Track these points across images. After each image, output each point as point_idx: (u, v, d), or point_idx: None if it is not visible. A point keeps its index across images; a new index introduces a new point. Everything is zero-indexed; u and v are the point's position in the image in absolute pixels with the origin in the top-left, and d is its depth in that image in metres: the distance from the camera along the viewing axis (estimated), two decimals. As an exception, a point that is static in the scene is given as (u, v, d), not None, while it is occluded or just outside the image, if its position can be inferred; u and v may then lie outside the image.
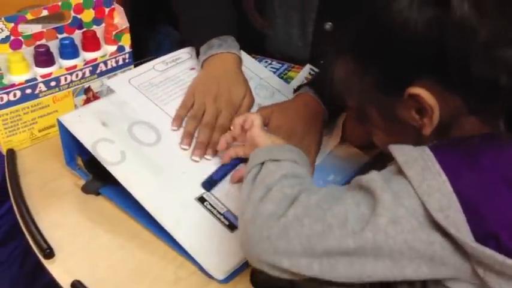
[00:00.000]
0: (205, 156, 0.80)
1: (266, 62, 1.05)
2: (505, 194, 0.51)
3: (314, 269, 0.52)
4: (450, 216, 0.50)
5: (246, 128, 0.73)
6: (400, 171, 0.53)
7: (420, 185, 0.51)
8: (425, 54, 0.53)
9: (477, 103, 0.54)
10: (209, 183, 0.76)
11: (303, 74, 1.02)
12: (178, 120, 0.84)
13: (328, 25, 0.96)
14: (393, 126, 0.60)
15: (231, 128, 0.83)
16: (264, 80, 0.97)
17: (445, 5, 0.51)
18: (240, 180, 0.75)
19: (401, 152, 0.55)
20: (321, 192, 0.55)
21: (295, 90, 0.91)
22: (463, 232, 0.49)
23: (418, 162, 0.53)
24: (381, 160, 0.84)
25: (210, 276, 0.67)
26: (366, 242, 0.51)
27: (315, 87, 0.88)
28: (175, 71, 0.93)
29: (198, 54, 0.95)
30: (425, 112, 0.55)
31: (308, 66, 1.03)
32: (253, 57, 1.03)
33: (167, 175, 0.76)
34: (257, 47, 1.06)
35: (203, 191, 0.75)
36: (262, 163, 0.62)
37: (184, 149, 0.80)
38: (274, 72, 1.01)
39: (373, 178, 0.54)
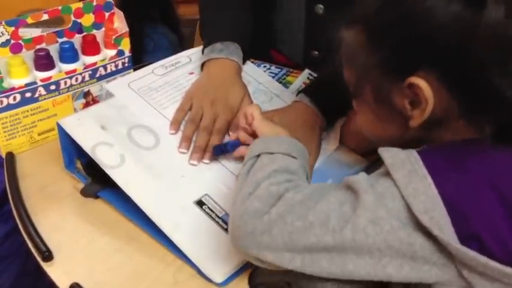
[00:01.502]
0: (203, 160, 0.80)
1: (265, 66, 1.05)
2: (488, 196, 0.52)
3: (296, 263, 0.55)
4: (434, 217, 0.50)
5: (249, 122, 0.75)
6: (387, 173, 0.54)
7: (406, 187, 0.52)
8: (440, 47, 0.52)
9: (474, 109, 0.55)
10: (220, 148, 0.79)
11: (301, 79, 1.02)
12: (176, 124, 0.84)
13: (320, 8, 0.97)
14: (383, 109, 0.60)
15: (229, 133, 0.84)
16: (263, 85, 0.98)
17: (480, 5, 0.50)
18: (242, 157, 0.75)
19: (389, 154, 0.56)
20: (307, 190, 0.57)
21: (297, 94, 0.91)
22: (447, 233, 0.50)
23: (405, 165, 0.53)
24: (380, 165, 0.85)
25: (209, 280, 0.67)
26: (344, 240, 0.52)
27: (312, 94, 0.88)
28: (174, 76, 0.94)
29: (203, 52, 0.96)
30: (418, 104, 0.56)
31: (307, 71, 1.03)
32: (252, 62, 1.03)
33: (166, 178, 0.76)
34: (263, 40, 1.07)
35: (202, 194, 0.75)
36: (258, 155, 0.64)
37: (183, 153, 0.81)
38: (273, 77, 1.02)
39: (359, 179, 0.55)
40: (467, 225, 0.50)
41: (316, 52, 1.04)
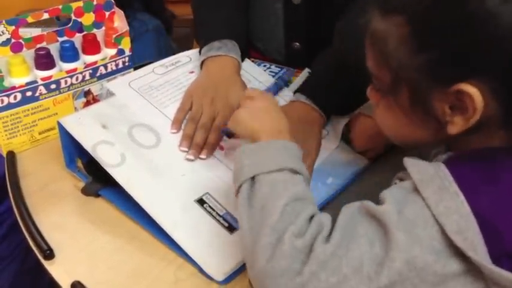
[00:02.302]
0: (200, 156, 0.81)
1: (265, 66, 1.05)
2: None
3: None
4: (468, 238, 0.48)
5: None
6: (415, 189, 0.52)
7: (437, 206, 0.49)
8: (504, 55, 0.49)
9: None
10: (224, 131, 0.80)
11: (301, 78, 1.02)
12: (177, 123, 0.85)
13: (297, 0, 0.97)
14: (417, 112, 0.55)
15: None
16: (263, 84, 0.98)
17: None
18: None
19: (416, 168, 0.53)
20: (336, 235, 0.52)
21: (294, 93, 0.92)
22: (481, 254, 0.48)
23: (435, 181, 0.50)
24: (380, 163, 0.85)
25: (210, 278, 0.67)
26: (380, 286, 0.49)
27: (309, 92, 0.88)
28: (174, 75, 0.94)
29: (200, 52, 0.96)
30: (461, 111, 0.52)
31: (306, 71, 1.03)
32: (253, 61, 1.04)
33: (167, 177, 0.76)
34: None
35: (202, 193, 0.75)
36: (253, 177, 0.59)
37: (184, 151, 0.81)
38: (273, 76, 1.02)
39: (386, 210, 0.51)
40: (500, 243, 0.48)
41: (298, 44, 1.04)
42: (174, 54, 0.99)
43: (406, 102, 0.56)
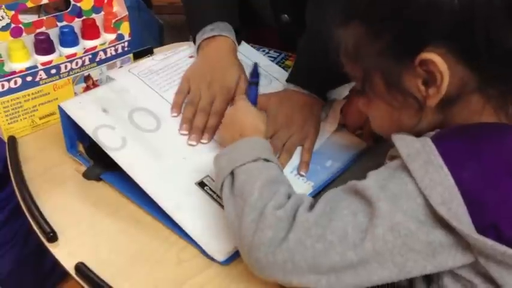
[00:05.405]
0: (202, 140, 0.81)
1: (264, 50, 1.06)
2: (507, 183, 0.51)
3: (322, 284, 0.54)
4: (452, 208, 0.50)
5: None
6: (402, 165, 0.54)
7: (423, 178, 0.52)
8: (444, 18, 0.51)
9: (491, 78, 0.54)
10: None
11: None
12: (176, 107, 0.85)
13: None
14: (396, 96, 0.58)
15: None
16: (263, 68, 0.98)
17: None
18: None
19: (403, 143, 0.55)
20: (318, 207, 0.56)
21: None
22: (465, 224, 0.50)
23: (421, 155, 0.53)
24: (379, 146, 0.86)
25: (212, 258, 0.68)
26: (366, 252, 0.52)
27: (298, 80, 0.88)
28: (174, 59, 0.94)
29: (195, 42, 0.96)
30: (432, 82, 0.54)
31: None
32: (252, 46, 1.04)
33: (168, 160, 0.77)
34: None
35: (203, 175, 0.76)
36: (231, 173, 0.63)
37: (184, 135, 0.81)
38: (272, 61, 1.02)
39: (369, 185, 0.54)
40: (484, 214, 0.50)
41: (286, 16, 1.03)
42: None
43: (382, 90, 0.59)
